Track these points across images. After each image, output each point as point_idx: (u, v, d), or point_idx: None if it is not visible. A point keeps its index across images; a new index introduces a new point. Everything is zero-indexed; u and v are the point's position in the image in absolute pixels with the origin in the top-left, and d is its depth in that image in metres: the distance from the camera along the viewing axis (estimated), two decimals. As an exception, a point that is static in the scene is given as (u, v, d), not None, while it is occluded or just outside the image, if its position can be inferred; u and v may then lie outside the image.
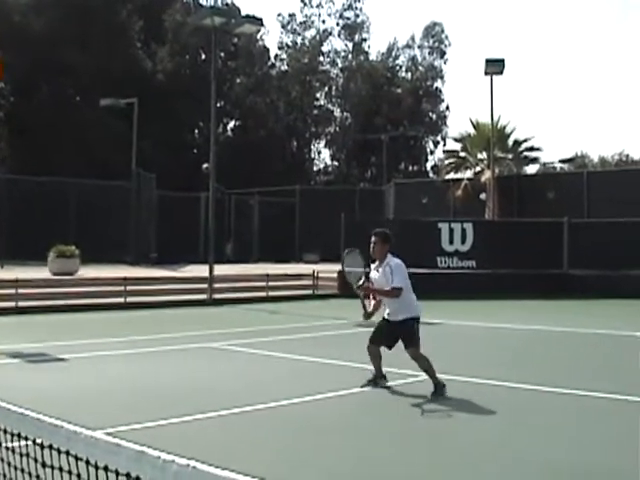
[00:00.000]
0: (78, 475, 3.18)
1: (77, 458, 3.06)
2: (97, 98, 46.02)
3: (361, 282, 11.13)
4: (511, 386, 11.20)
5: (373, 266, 11.16)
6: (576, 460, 7.52)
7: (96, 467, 2.94)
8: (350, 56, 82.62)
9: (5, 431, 3.57)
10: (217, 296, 27.12)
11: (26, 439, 3.36)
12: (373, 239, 10.97)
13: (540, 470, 7.19)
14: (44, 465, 3.37)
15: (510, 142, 44.96)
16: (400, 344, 10.81)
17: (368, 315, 11.16)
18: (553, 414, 9.60)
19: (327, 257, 38.97)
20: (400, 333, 10.75)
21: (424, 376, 10.86)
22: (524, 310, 25.24)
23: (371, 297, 11.25)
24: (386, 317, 11.01)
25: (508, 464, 7.44)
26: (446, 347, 15.47)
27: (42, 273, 27.64)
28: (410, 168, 79.12)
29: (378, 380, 11.08)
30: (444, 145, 77.25)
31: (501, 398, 10.38)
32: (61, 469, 3.27)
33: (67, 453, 3.10)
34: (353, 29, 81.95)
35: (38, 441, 3.29)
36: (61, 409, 8.68)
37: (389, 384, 11.17)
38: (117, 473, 2.82)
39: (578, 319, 22.01)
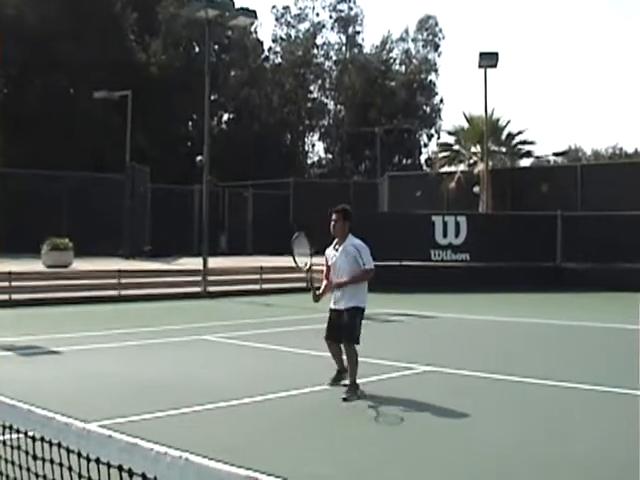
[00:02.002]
0: (69, 467, 3.17)
1: (69, 450, 3.05)
2: (91, 91, 45.92)
3: (307, 265, 10.68)
4: (503, 379, 11.21)
5: (331, 246, 10.69)
6: (576, 453, 7.54)
7: (87, 459, 2.93)
8: (344, 49, 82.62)
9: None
10: (211, 289, 27.12)
11: (17, 432, 3.35)
12: (334, 216, 10.46)
13: (537, 465, 7.21)
14: (35, 457, 3.36)
15: (504, 135, 44.92)
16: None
17: (317, 297, 10.63)
18: (547, 407, 9.61)
19: (321, 250, 38.89)
20: (341, 322, 10.24)
21: (420, 369, 10.86)
22: (517, 303, 25.27)
23: (323, 280, 10.72)
24: (332, 306, 10.51)
25: (505, 458, 7.45)
26: (439, 340, 15.50)
27: (36, 266, 27.59)
28: (404, 161, 79.11)
29: (343, 376, 10.55)
30: (438, 138, 77.36)
31: (494, 391, 10.39)
32: (52, 461, 3.25)
33: (59, 445, 3.09)
34: (347, 22, 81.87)
35: (30, 433, 3.28)
36: (54, 401, 8.69)
37: (385, 376, 11.15)
38: (109, 465, 2.82)
39: (571, 312, 22.05)
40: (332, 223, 10.44)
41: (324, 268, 10.68)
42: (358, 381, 10.06)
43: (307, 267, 10.66)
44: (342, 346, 10.32)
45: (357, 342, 10.14)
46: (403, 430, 8.51)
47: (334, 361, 10.62)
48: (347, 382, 10.28)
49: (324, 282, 10.65)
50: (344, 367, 10.50)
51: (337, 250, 10.45)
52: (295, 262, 10.85)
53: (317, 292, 10.56)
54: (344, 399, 9.76)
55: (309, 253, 10.77)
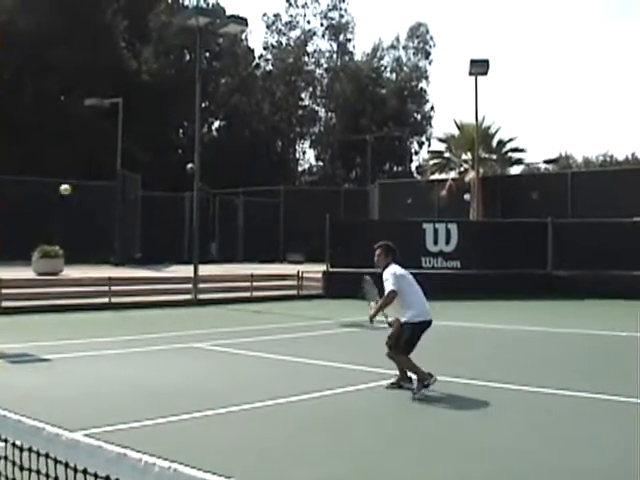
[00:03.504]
0: (56, 478, 3.14)
1: (56, 461, 3.03)
2: (82, 97, 45.86)
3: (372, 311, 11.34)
4: (497, 386, 11.21)
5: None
6: (572, 462, 7.53)
7: (75, 470, 2.91)
8: (335, 56, 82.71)
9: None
10: (202, 296, 27.06)
11: (5, 441, 3.32)
12: (377, 251, 11.61)
13: (544, 472, 7.21)
14: (22, 468, 3.33)
15: (494, 143, 45.00)
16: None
17: (371, 318, 11.33)
18: (549, 414, 9.60)
19: (312, 257, 38.99)
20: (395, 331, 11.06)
21: (414, 376, 10.86)
22: (508, 310, 25.29)
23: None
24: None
25: (503, 465, 7.44)
26: (429, 347, 15.48)
27: (26, 273, 27.52)
28: (395, 168, 79.18)
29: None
30: (429, 146, 77.53)
31: (486, 397, 10.37)
32: (39, 472, 3.23)
33: (46, 456, 3.07)
34: (338, 29, 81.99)
35: (18, 443, 3.25)
36: (43, 410, 8.66)
37: (374, 384, 11.15)
38: (96, 476, 2.80)
39: (562, 320, 22.07)
40: (375, 257, 11.68)
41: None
42: (351, 388, 10.00)
43: (372, 308, 11.41)
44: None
45: (399, 350, 10.92)
46: (405, 440, 8.49)
47: (416, 373, 10.86)
48: (411, 386, 10.77)
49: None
50: (424, 373, 10.71)
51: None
52: (369, 304, 11.73)
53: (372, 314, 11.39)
54: (413, 396, 10.41)
55: (376, 299, 11.53)
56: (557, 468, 7.26)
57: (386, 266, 11.36)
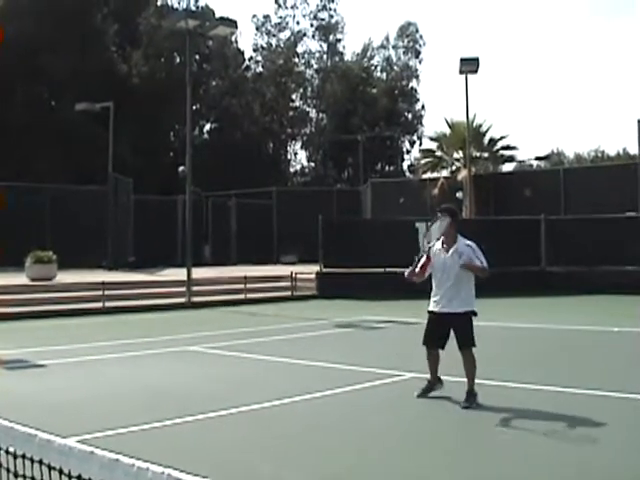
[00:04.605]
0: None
1: (50, 467, 3.01)
2: (73, 101, 45.83)
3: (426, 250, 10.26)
4: (495, 384, 11.20)
5: (438, 244, 10.23)
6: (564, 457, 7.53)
7: (69, 476, 2.90)
8: (325, 57, 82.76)
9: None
10: (195, 299, 27.03)
11: (-1, 448, 3.31)
12: (444, 218, 10.08)
13: (558, 471, 7.21)
14: (16, 475, 3.32)
15: (486, 141, 45.10)
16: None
17: (413, 272, 10.27)
18: (541, 409, 9.60)
19: (305, 258, 38.99)
20: (457, 327, 9.95)
21: (407, 375, 10.84)
22: (502, 308, 25.29)
23: (418, 270, 10.24)
24: (437, 310, 10.12)
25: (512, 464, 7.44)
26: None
27: (19, 279, 27.47)
28: (387, 168, 79.26)
29: (434, 386, 10.35)
30: (420, 145, 77.62)
31: (485, 397, 10.36)
32: (33, 478, 3.22)
33: (40, 462, 3.06)
34: (328, 30, 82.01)
35: (11, 450, 3.24)
36: (37, 415, 8.65)
37: (369, 384, 11.13)
38: (89, 482, 2.79)
39: (556, 316, 22.05)
40: (441, 227, 10.13)
41: (423, 259, 10.26)
42: (348, 388, 10.00)
43: (425, 251, 10.27)
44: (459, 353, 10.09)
45: (475, 344, 9.99)
46: (405, 440, 8.49)
47: (429, 371, 10.35)
48: (436, 393, 10.23)
49: (417, 268, 10.27)
50: (436, 378, 10.34)
51: (446, 250, 10.09)
52: (422, 243, 10.63)
53: (416, 269, 10.22)
54: (465, 407, 9.58)
55: (433, 240, 10.23)
56: (550, 465, 7.26)
57: (455, 236, 10.11)
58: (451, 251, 10.00)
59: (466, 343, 9.93)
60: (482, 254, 10.00)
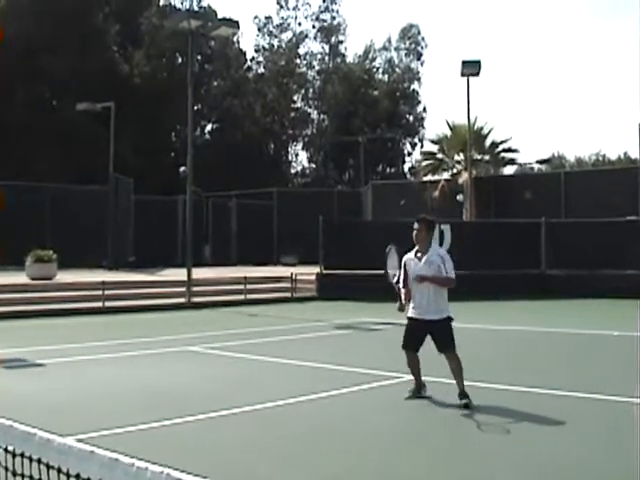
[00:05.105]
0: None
1: (49, 466, 3.01)
2: (74, 101, 45.82)
3: (396, 277, 10.62)
4: (499, 388, 11.20)
5: (411, 254, 10.52)
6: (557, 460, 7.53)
7: (68, 475, 2.89)
8: (327, 58, 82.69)
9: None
10: (195, 299, 27.02)
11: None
12: (416, 226, 10.43)
13: (549, 472, 7.21)
14: (15, 474, 3.31)
15: (487, 143, 45.01)
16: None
17: (402, 307, 10.52)
18: (555, 417, 9.60)
19: (305, 259, 38.98)
20: (436, 332, 10.20)
21: (405, 377, 10.84)
22: (502, 311, 25.31)
23: (402, 290, 10.51)
24: (415, 316, 10.33)
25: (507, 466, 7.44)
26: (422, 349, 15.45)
27: (20, 278, 27.47)
28: (387, 170, 79.19)
29: (421, 389, 10.57)
30: (421, 147, 77.57)
31: (484, 399, 10.36)
32: (31, 478, 3.21)
33: (39, 461, 3.05)
34: (330, 31, 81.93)
35: (10, 449, 3.23)
36: (36, 415, 8.66)
37: (366, 386, 11.13)
38: (89, 481, 2.78)
39: (556, 319, 22.07)
40: (415, 232, 10.45)
41: (402, 275, 10.58)
42: (347, 390, 9.99)
43: (395, 280, 10.66)
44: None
45: (455, 347, 10.20)
46: (404, 440, 8.49)
47: (413, 375, 10.59)
48: (426, 395, 10.48)
49: (402, 290, 10.54)
50: (421, 382, 10.57)
51: (420, 259, 10.38)
52: (387, 274, 10.94)
53: (402, 303, 10.52)
54: (465, 405, 9.78)
55: (397, 266, 10.72)
56: (544, 466, 7.26)
57: (429, 244, 10.42)
58: (424, 259, 10.31)
59: (447, 347, 10.21)
60: (451, 264, 10.25)
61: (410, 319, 10.46)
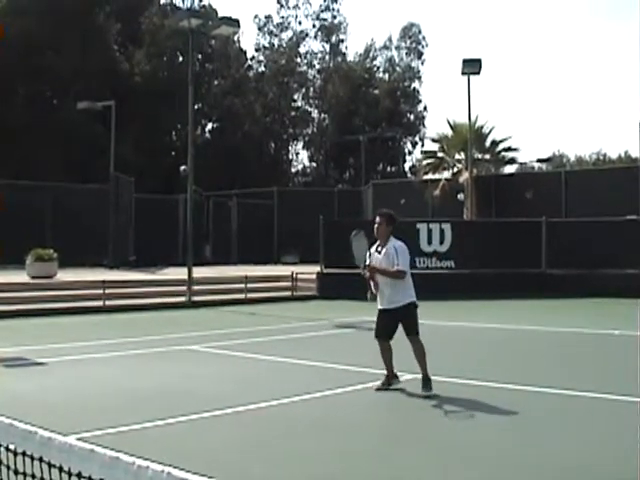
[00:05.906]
0: (49, 482, 3.13)
1: (50, 465, 3.01)
2: (74, 100, 45.86)
3: (367, 262, 10.87)
4: (495, 386, 11.20)
5: (374, 247, 10.99)
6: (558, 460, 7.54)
7: (69, 474, 2.90)
8: (327, 57, 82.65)
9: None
10: (196, 298, 27.02)
11: (-1, 445, 3.31)
12: (377, 219, 11.02)
13: (549, 472, 7.21)
14: (16, 472, 3.31)
15: (488, 142, 44.95)
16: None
17: (373, 296, 10.94)
18: (548, 414, 9.60)
19: (306, 258, 38.97)
20: (402, 319, 10.71)
21: (405, 377, 10.85)
22: (503, 310, 25.30)
23: (372, 279, 10.92)
24: (382, 307, 10.87)
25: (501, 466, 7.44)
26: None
27: (20, 277, 27.47)
28: (388, 169, 79.14)
29: (392, 381, 11.00)
30: (422, 146, 77.53)
31: (483, 398, 10.36)
32: (33, 476, 3.21)
33: (40, 460, 3.06)
34: (330, 30, 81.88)
35: (11, 447, 3.24)
36: (38, 413, 8.66)
37: (370, 384, 11.14)
38: (90, 479, 2.78)
39: (556, 318, 22.06)
40: (376, 226, 10.98)
41: (366, 274, 10.93)
42: (348, 389, 10.00)
43: (366, 264, 10.90)
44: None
45: (418, 332, 10.74)
46: (403, 440, 8.49)
47: (385, 366, 11.04)
48: (396, 386, 10.94)
49: (372, 282, 10.90)
50: (393, 373, 11.01)
51: (379, 252, 10.86)
52: (356, 260, 11.14)
53: (373, 292, 10.93)
54: (426, 395, 10.31)
55: (366, 251, 11.02)
56: (542, 466, 7.27)
57: (388, 238, 10.89)
58: (383, 251, 10.83)
59: (412, 331, 10.74)
60: (405, 257, 10.74)
61: (379, 310, 11.00)
